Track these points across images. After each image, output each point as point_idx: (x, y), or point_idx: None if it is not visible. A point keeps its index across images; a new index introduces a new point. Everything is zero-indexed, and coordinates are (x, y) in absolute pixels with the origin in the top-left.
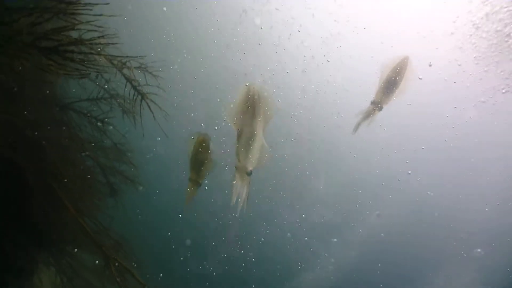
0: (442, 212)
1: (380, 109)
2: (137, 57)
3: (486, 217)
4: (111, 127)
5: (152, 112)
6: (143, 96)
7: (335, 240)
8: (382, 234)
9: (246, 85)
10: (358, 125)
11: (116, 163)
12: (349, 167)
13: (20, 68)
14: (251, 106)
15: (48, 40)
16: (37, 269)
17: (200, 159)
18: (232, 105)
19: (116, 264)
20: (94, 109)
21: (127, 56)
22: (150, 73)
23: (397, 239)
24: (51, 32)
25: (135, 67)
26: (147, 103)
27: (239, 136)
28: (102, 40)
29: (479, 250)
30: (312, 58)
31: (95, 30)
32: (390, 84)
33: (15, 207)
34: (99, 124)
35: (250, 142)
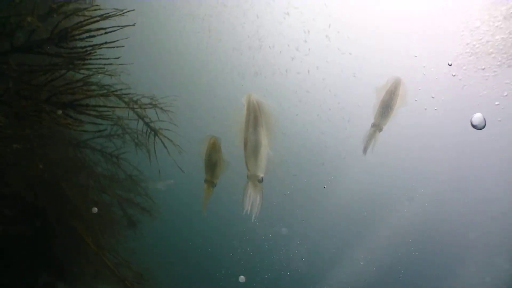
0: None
1: (381, 130)
2: (160, 103)
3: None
4: (126, 162)
5: (166, 148)
6: (156, 132)
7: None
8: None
9: (246, 95)
10: (366, 148)
11: (132, 194)
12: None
13: (39, 125)
14: (253, 115)
15: (64, 94)
16: None
17: (213, 160)
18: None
19: None
20: (108, 145)
21: (140, 105)
22: (161, 108)
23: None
24: (65, 87)
25: (146, 104)
26: (160, 139)
27: (245, 145)
28: (114, 92)
29: None
30: (322, 80)
31: (108, 85)
32: (386, 106)
33: (38, 245)
34: (113, 159)
35: (256, 150)
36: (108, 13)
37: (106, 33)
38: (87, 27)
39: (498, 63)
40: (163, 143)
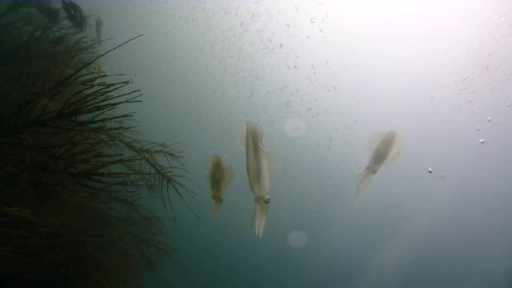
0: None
1: (374, 172)
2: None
3: None
4: (141, 206)
5: (180, 195)
6: (168, 179)
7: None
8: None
9: (244, 122)
10: (358, 190)
11: (149, 235)
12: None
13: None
14: (252, 140)
15: (79, 163)
16: None
17: (217, 177)
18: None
19: None
20: (122, 190)
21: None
22: (172, 154)
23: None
24: (80, 157)
25: (156, 151)
26: (173, 186)
27: (248, 170)
28: (128, 160)
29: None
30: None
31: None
32: (380, 154)
33: None
34: (128, 205)
35: (259, 173)
36: (115, 84)
37: (114, 105)
38: (97, 97)
39: None
40: (177, 190)
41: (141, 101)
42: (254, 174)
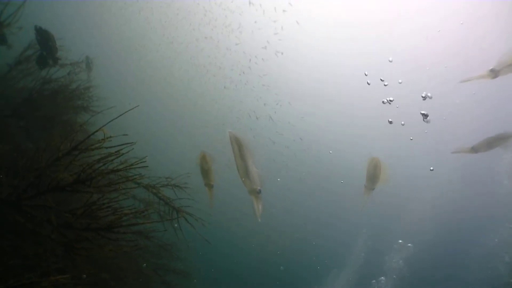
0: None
1: (373, 189)
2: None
3: None
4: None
5: (192, 224)
6: (177, 210)
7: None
8: None
9: (228, 133)
10: (362, 203)
11: (166, 261)
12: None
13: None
14: (236, 146)
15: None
16: None
17: (205, 168)
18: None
19: None
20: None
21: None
22: (178, 186)
23: None
24: (100, 213)
25: (162, 186)
26: (183, 217)
27: (238, 170)
28: (147, 209)
29: None
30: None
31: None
32: (372, 175)
33: None
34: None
35: (247, 170)
36: (120, 150)
37: (126, 168)
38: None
39: None
40: (187, 220)
41: (147, 166)
42: (243, 171)
